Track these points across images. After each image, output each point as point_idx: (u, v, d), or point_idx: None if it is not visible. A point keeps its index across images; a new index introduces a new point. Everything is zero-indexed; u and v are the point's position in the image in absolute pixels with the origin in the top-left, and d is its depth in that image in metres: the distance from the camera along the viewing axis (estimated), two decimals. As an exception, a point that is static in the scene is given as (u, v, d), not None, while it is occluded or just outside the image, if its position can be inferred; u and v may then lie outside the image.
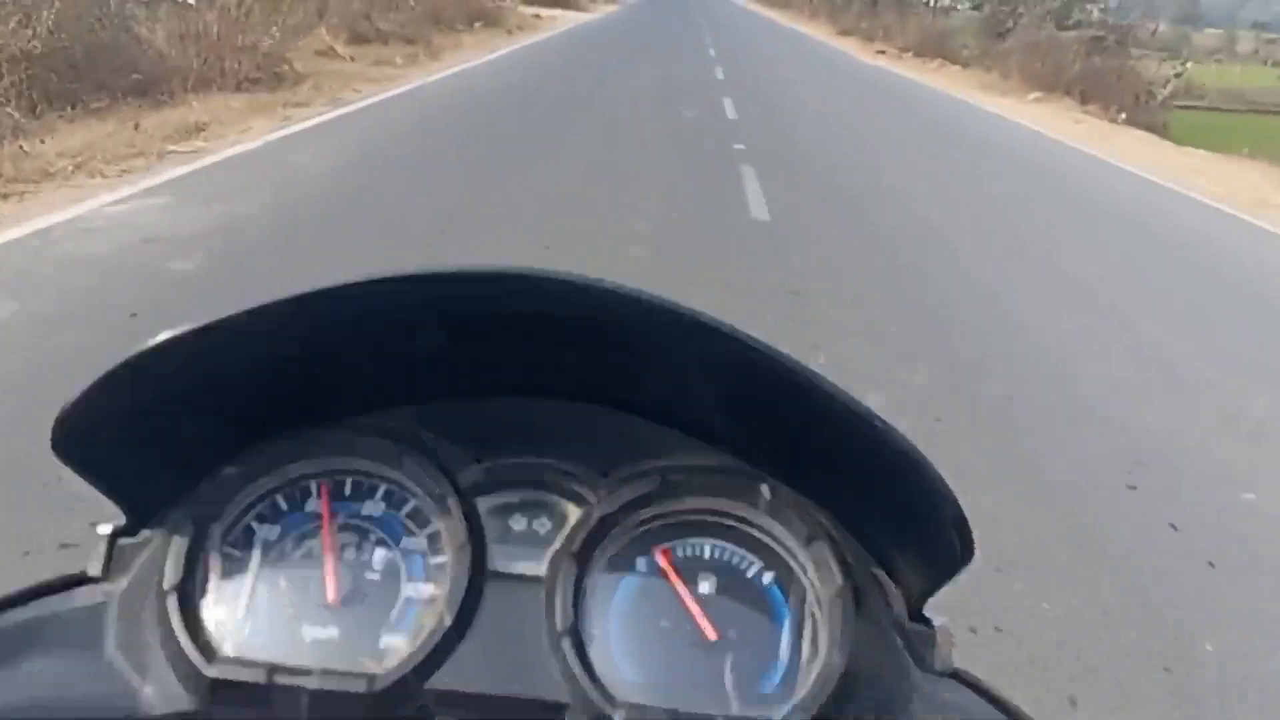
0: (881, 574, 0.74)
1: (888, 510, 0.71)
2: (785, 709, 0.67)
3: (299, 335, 0.67)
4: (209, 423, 0.72)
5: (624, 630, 0.70)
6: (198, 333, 0.61)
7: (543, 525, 0.74)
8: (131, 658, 0.68)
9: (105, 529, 0.73)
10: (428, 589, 0.71)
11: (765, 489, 0.73)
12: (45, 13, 8.27)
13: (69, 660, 0.68)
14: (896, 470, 0.64)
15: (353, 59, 13.81)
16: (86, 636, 0.69)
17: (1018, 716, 0.70)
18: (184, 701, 0.66)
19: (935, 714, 0.69)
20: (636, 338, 0.66)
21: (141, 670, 0.67)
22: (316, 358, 0.71)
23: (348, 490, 0.74)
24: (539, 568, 0.72)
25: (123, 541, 0.72)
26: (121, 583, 0.71)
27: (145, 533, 0.73)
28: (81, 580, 0.72)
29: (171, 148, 7.64)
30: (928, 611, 0.73)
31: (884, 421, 0.63)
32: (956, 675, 0.72)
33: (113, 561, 0.72)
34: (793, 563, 0.73)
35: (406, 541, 0.73)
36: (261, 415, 0.73)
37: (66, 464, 0.66)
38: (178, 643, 0.66)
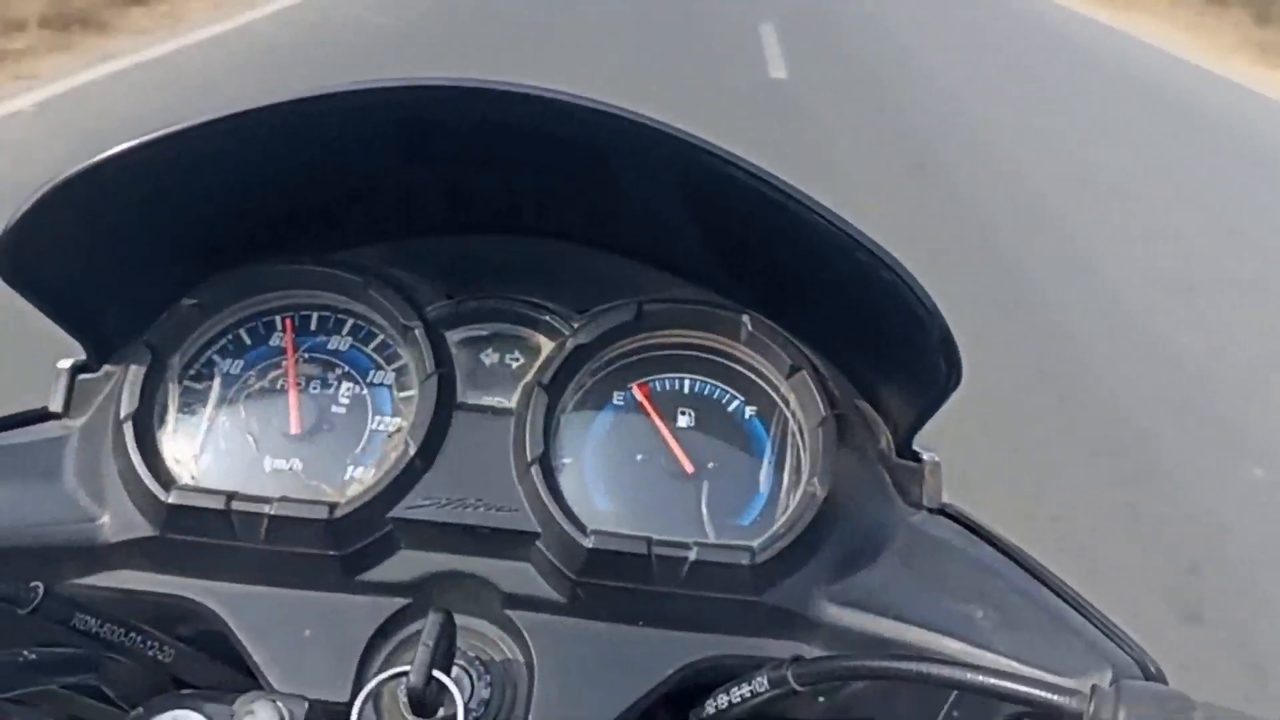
0: (867, 408, 0.71)
1: (872, 336, 0.67)
2: (763, 537, 0.64)
3: (263, 153, 0.64)
4: (168, 249, 0.69)
5: (597, 461, 0.68)
6: (152, 144, 0.58)
7: (515, 359, 0.71)
8: (91, 487, 0.66)
9: (65, 363, 0.71)
10: (394, 421, 0.69)
11: (747, 320, 0.70)
12: None
13: (29, 488, 0.66)
14: (881, 290, 0.60)
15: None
16: (46, 467, 0.67)
17: (1006, 550, 0.67)
18: (142, 528, 0.64)
19: (921, 545, 0.67)
20: (614, 156, 0.63)
21: (100, 499, 0.66)
22: (281, 182, 0.67)
23: (313, 324, 0.72)
24: (509, 400, 0.69)
25: (83, 377, 0.70)
26: (82, 418, 0.70)
27: (106, 368, 0.71)
28: (43, 416, 0.70)
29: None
30: (916, 446, 0.71)
31: (869, 237, 0.59)
32: (944, 510, 0.69)
33: (73, 396, 0.70)
34: (774, 395, 0.70)
35: (374, 375, 0.70)
36: (223, 245, 0.70)
37: (16, 289, 0.64)
38: (135, 470, 0.64)
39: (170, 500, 0.63)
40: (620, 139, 0.60)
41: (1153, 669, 0.60)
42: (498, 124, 0.62)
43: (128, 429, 0.65)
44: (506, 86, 0.57)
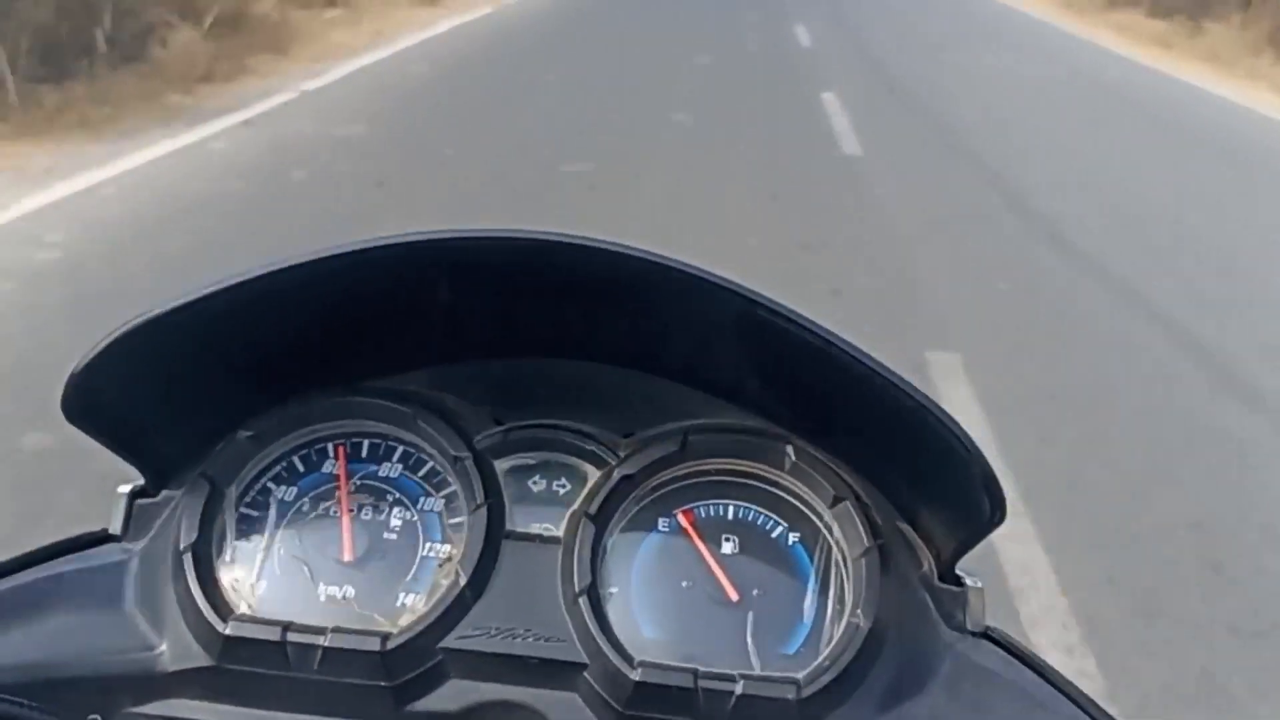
0: (910, 533, 0.72)
1: (914, 470, 0.69)
2: (809, 668, 0.65)
3: (316, 296, 0.66)
4: (224, 385, 0.71)
5: (644, 590, 0.69)
6: (211, 296, 0.61)
7: (562, 486, 0.72)
8: (150, 614, 0.68)
9: (125, 489, 0.73)
10: (445, 549, 0.70)
11: (790, 449, 0.71)
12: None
13: (89, 615, 0.68)
14: (923, 430, 0.62)
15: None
16: (107, 593, 0.69)
17: (1048, 676, 0.67)
18: (200, 658, 0.66)
19: (965, 673, 0.67)
20: (660, 301, 0.65)
21: (159, 627, 0.67)
22: (333, 319, 0.70)
23: (364, 452, 0.74)
24: (557, 528, 0.70)
25: (142, 502, 0.72)
26: (141, 542, 0.71)
27: (164, 493, 0.72)
28: (103, 539, 0.72)
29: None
30: (959, 571, 0.71)
31: (909, 383, 0.61)
32: (988, 634, 0.70)
33: (132, 521, 0.72)
34: (818, 523, 0.71)
35: (424, 502, 0.72)
36: (277, 378, 0.73)
37: (78, 426, 0.66)
38: (194, 600, 0.66)
39: (227, 632, 0.64)
40: (671, 288, 0.62)
41: None
42: (549, 270, 0.65)
43: (187, 560, 0.67)
44: (558, 238, 0.60)
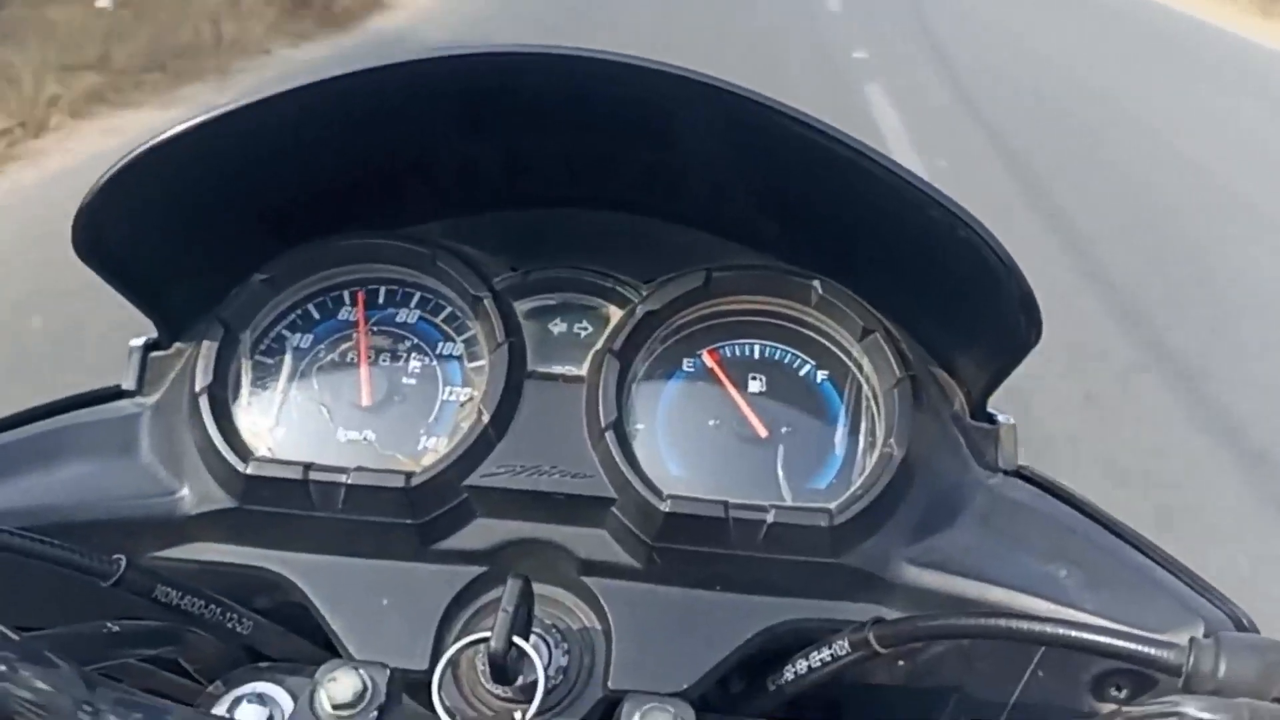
0: (940, 372, 0.71)
1: (946, 298, 0.67)
2: (841, 499, 0.64)
3: (327, 126, 0.64)
4: (237, 226, 0.69)
5: (671, 427, 0.68)
6: (220, 119, 0.59)
7: (584, 328, 0.71)
8: (168, 462, 0.67)
9: (137, 342, 0.71)
10: (465, 391, 0.69)
11: (817, 284, 0.70)
12: None
13: (106, 464, 0.67)
14: (957, 248, 0.60)
15: None
16: (123, 444, 0.68)
17: (1086, 509, 0.66)
18: (221, 500, 0.65)
19: (998, 507, 0.66)
20: (675, 116, 0.62)
21: (178, 473, 0.66)
22: (346, 157, 0.68)
23: (381, 298, 0.72)
24: (580, 368, 0.69)
25: (155, 355, 0.71)
26: (154, 395, 0.70)
27: (178, 345, 0.71)
28: (116, 394, 0.71)
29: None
30: (991, 409, 0.70)
31: (944, 193, 0.59)
32: (1020, 473, 0.69)
33: (146, 374, 0.71)
34: (846, 359, 0.69)
35: (443, 347, 0.70)
36: (291, 221, 0.71)
37: (89, 265, 0.64)
38: (212, 443, 0.65)
39: (248, 471, 0.63)
40: (681, 97, 0.59)
41: (1245, 621, 0.59)
42: (556, 89, 0.62)
43: (204, 402, 0.66)
44: (564, 50, 0.57)
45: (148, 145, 0.59)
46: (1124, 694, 0.61)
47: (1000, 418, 0.69)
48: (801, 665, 0.62)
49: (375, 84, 0.59)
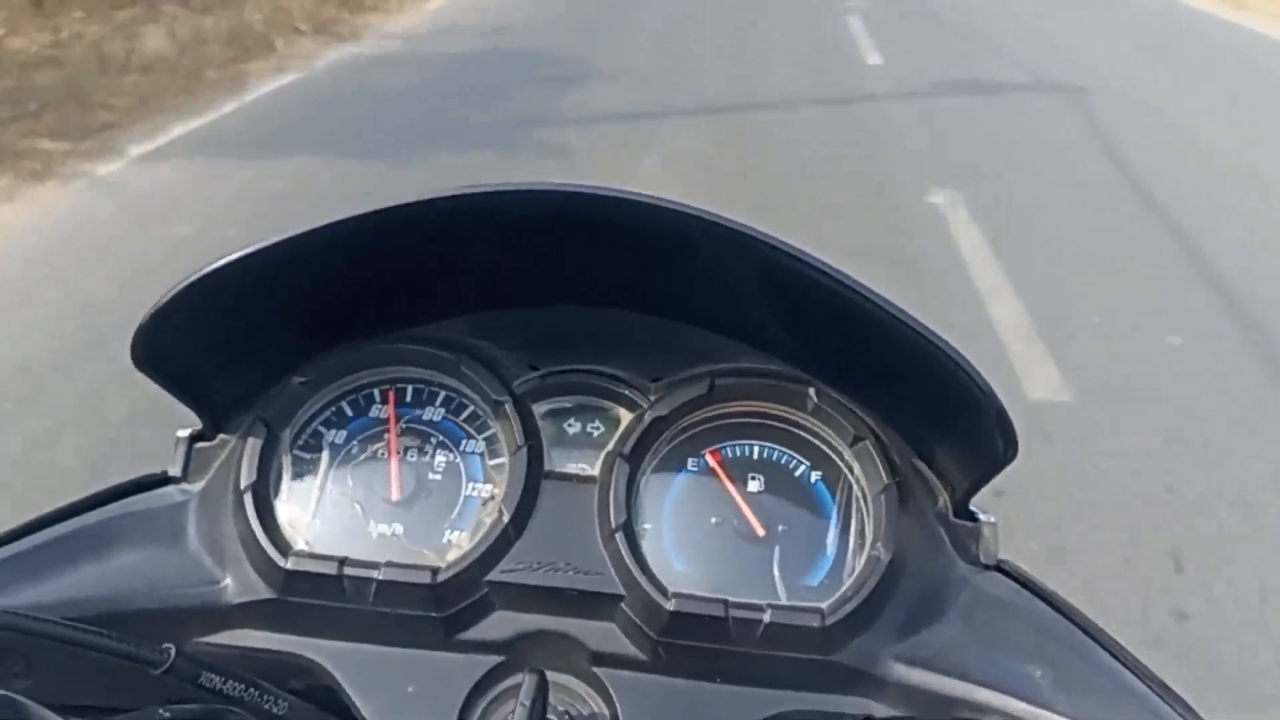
0: (926, 471, 0.76)
1: (930, 410, 0.72)
2: (832, 599, 0.69)
3: (364, 250, 0.70)
4: (278, 333, 0.75)
5: (675, 526, 0.73)
6: (272, 247, 0.64)
7: (596, 428, 0.76)
8: (212, 551, 0.72)
9: (184, 433, 0.77)
10: (487, 488, 0.74)
11: (812, 392, 0.75)
12: None
13: (155, 552, 0.72)
14: (939, 372, 0.65)
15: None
16: (170, 532, 0.73)
17: (1059, 607, 0.71)
18: (262, 591, 0.70)
19: (980, 603, 0.71)
20: (688, 250, 0.68)
21: (221, 563, 0.72)
22: (380, 271, 0.74)
23: (409, 397, 0.77)
24: (593, 468, 0.74)
25: (200, 445, 0.77)
26: (200, 483, 0.76)
27: (221, 437, 0.77)
28: (163, 481, 0.76)
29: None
30: (973, 507, 0.75)
31: (927, 327, 0.64)
32: (1000, 567, 0.74)
33: (191, 463, 0.76)
34: (839, 461, 0.75)
35: (466, 444, 0.76)
36: (328, 326, 0.76)
37: (146, 373, 0.70)
38: (255, 537, 0.70)
39: (288, 566, 0.69)
40: (699, 238, 0.65)
41: None
42: (590, 223, 0.68)
43: (248, 499, 0.71)
44: (602, 191, 0.63)
45: (201, 273, 0.65)
46: None
47: (981, 516, 0.75)
48: None
49: (416, 216, 0.65)
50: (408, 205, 0.64)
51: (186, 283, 0.65)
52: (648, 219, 0.64)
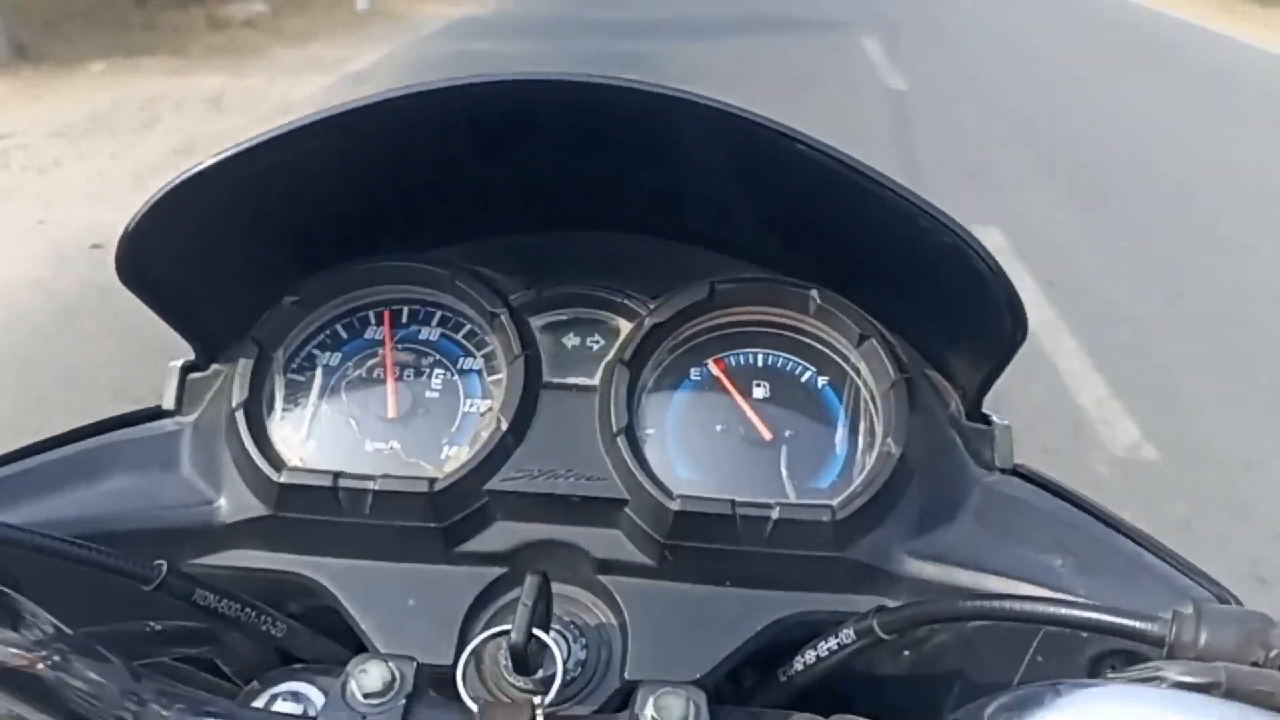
0: (935, 375, 0.74)
1: (937, 302, 0.70)
2: (842, 496, 0.67)
3: (351, 154, 0.68)
4: (268, 251, 0.74)
5: (679, 432, 0.71)
6: (252, 150, 0.63)
7: (595, 341, 0.75)
8: (206, 474, 0.71)
9: (176, 364, 0.75)
10: (485, 403, 0.73)
11: (814, 294, 0.73)
12: None
13: (147, 478, 0.71)
14: (944, 254, 0.63)
15: None
16: (163, 459, 0.72)
17: (1080, 503, 0.69)
18: (255, 508, 0.68)
19: (995, 503, 0.69)
20: (677, 137, 0.66)
21: (215, 484, 0.70)
22: (369, 185, 0.72)
23: (405, 317, 0.76)
24: (593, 378, 0.73)
25: (193, 376, 0.75)
26: (193, 414, 0.74)
27: (214, 366, 0.75)
28: (157, 414, 0.75)
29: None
30: (986, 410, 0.73)
31: (929, 202, 0.62)
32: (1016, 471, 0.71)
33: (185, 394, 0.75)
34: (845, 364, 0.73)
35: (463, 362, 0.74)
36: (319, 245, 0.75)
37: (132, 290, 0.68)
38: (248, 455, 0.69)
39: (281, 480, 0.67)
40: (686, 120, 0.63)
41: (1228, 597, 0.61)
42: (567, 113, 0.66)
43: (240, 417, 0.70)
44: (574, 76, 0.61)
45: (181, 178, 0.63)
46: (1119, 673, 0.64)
47: (995, 419, 0.72)
48: (810, 655, 0.65)
49: (394, 113, 0.63)
50: (385, 100, 0.62)
51: (169, 187, 0.63)
52: (627, 102, 0.62)
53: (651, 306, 0.74)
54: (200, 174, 0.63)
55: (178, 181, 0.63)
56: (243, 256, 0.73)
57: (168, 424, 0.74)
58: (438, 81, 0.62)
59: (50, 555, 0.58)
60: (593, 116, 0.65)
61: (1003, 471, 0.72)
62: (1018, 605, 0.56)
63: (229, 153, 0.63)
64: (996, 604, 0.57)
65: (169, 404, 0.75)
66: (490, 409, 0.72)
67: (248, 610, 0.67)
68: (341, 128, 0.63)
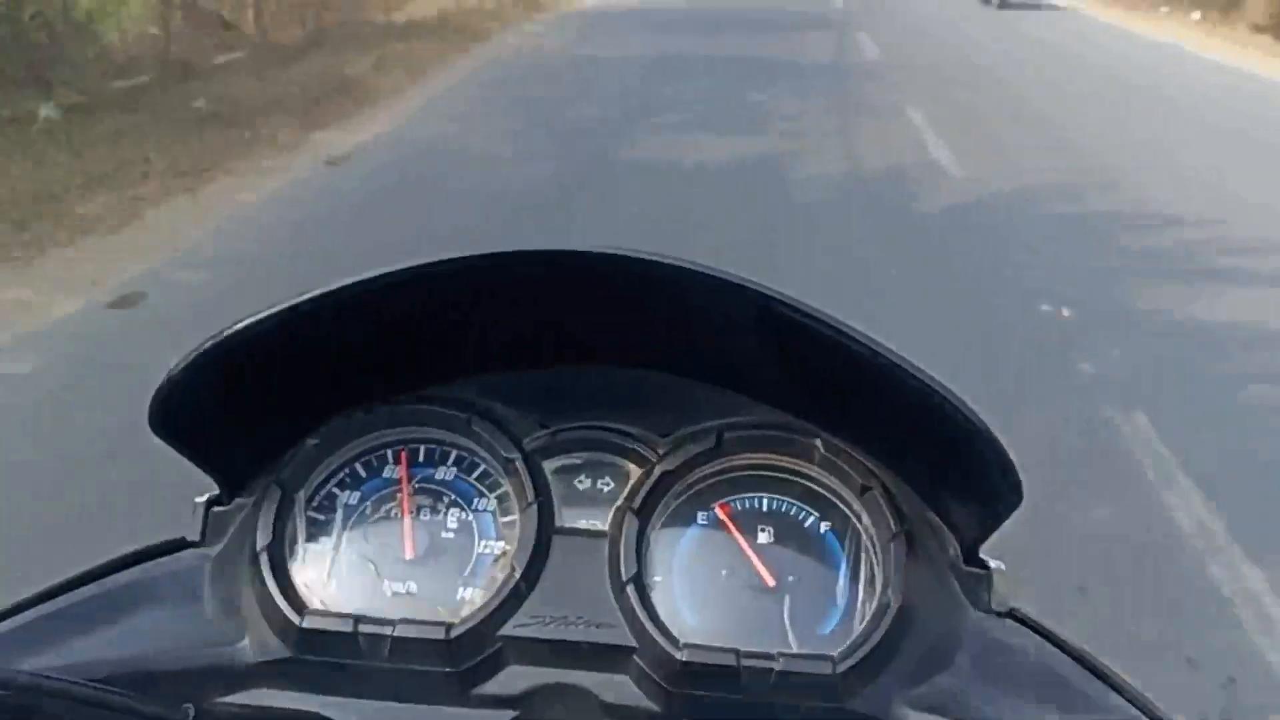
0: (935, 519, 0.76)
1: (936, 459, 0.73)
2: (844, 645, 0.69)
3: (376, 313, 0.72)
4: (291, 398, 0.77)
5: (686, 579, 0.74)
6: (286, 312, 0.67)
7: (606, 484, 0.77)
8: (230, 613, 0.73)
9: (201, 499, 0.78)
10: (499, 545, 0.75)
11: (819, 443, 0.76)
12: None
13: (174, 614, 0.73)
14: (942, 419, 0.66)
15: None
16: (188, 594, 0.75)
17: (1073, 654, 0.71)
18: (278, 651, 0.71)
19: (993, 651, 0.71)
20: (691, 304, 0.70)
21: (239, 624, 0.73)
22: (392, 335, 0.75)
23: (421, 456, 0.79)
24: (603, 523, 0.75)
25: (217, 510, 0.78)
26: (217, 547, 0.77)
27: (237, 501, 0.78)
28: (181, 545, 0.78)
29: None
30: (984, 554, 0.75)
31: (931, 377, 0.65)
32: (1013, 615, 0.74)
33: (208, 527, 0.78)
34: (847, 511, 0.75)
35: (478, 502, 0.77)
36: (341, 390, 0.78)
37: (162, 439, 0.72)
38: (272, 598, 0.71)
39: (304, 625, 0.70)
40: (700, 291, 0.67)
41: None
42: (596, 283, 0.70)
43: (264, 560, 0.72)
44: (603, 250, 0.65)
45: (215, 340, 0.67)
46: None
47: (992, 563, 0.75)
48: None
49: (428, 280, 0.67)
50: (412, 269, 0.66)
51: (203, 349, 0.67)
52: (646, 275, 0.66)
53: (661, 452, 0.77)
54: (225, 340, 0.66)
55: (205, 347, 0.67)
56: (266, 405, 0.76)
57: (191, 557, 0.77)
58: (473, 251, 0.66)
59: (82, 704, 0.60)
60: (617, 284, 0.69)
61: (999, 615, 0.74)
62: None
63: (253, 320, 0.66)
64: None
65: (194, 536, 0.78)
66: (505, 552, 0.75)
67: None
68: (371, 293, 0.67)
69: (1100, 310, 4.72)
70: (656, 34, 14.49)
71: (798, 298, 0.65)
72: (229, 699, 0.72)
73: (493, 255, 0.67)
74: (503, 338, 0.79)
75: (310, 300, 0.66)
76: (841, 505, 0.76)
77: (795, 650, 0.70)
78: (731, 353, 0.76)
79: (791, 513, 0.76)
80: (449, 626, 0.70)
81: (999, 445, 0.66)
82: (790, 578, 0.73)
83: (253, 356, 0.70)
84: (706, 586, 0.73)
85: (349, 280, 0.66)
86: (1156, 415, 3.67)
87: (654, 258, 0.65)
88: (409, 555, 0.75)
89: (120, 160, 6.56)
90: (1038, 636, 0.73)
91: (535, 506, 0.74)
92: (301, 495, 0.77)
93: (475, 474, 0.78)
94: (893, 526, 0.72)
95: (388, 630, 0.70)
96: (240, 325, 0.67)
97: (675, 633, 0.70)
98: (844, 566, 0.74)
